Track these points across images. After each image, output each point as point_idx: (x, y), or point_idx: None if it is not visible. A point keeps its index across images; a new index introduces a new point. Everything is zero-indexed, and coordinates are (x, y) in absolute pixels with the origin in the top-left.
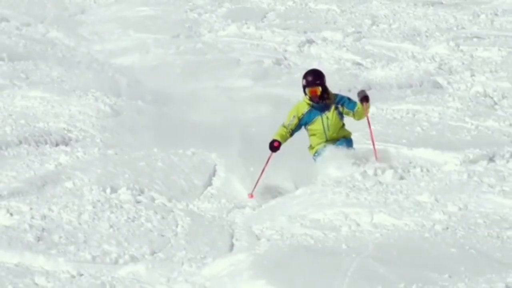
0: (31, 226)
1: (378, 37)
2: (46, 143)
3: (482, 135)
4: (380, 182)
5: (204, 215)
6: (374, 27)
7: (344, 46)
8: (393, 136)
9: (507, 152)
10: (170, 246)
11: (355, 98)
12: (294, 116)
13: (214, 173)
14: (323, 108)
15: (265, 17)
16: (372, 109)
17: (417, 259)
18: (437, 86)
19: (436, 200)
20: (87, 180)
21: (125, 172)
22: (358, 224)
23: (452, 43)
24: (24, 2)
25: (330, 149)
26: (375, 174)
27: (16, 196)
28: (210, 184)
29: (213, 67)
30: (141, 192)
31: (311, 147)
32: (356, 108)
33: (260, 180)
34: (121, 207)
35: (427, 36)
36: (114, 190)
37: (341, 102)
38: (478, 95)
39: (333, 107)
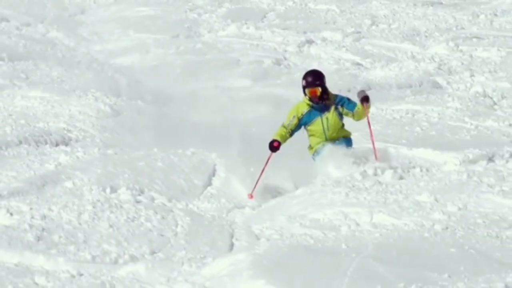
0: (31, 226)
1: (377, 37)
2: (46, 143)
3: (482, 135)
4: (379, 182)
5: (204, 215)
6: (373, 27)
7: (344, 46)
8: (392, 136)
9: (506, 152)
10: (170, 246)
11: (354, 98)
12: (294, 116)
13: (214, 173)
14: (323, 108)
15: (264, 17)
16: (372, 109)
17: (416, 259)
18: (437, 86)
19: (436, 200)
20: (87, 180)
21: (125, 172)
22: (357, 224)
23: (451, 43)
24: (24, 2)
25: (329, 148)
26: (375, 174)
27: (16, 196)
28: (210, 184)
29: (212, 67)
30: (141, 192)
31: (310, 147)
32: (356, 108)
33: (260, 180)
34: (121, 207)
35: (426, 36)
36: (114, 190)
37: (341, 103)
38: (477, 95)
39: (332, 107)
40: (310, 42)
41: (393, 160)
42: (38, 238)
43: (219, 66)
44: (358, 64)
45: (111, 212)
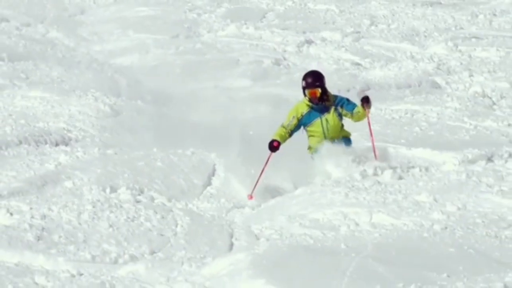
0: (31, 225)
1: (376, 37)
2: (46, 143)
3: (481, 135)
4: (379, 182)
5: (203, 214)
6: (372, 27)
7: (343, 46)
8: (391, 136)
9: (505, 152)
10: (170, 246)
11: (354, 98)
12: (293, 117)
13: (213, 172)
14: (323, 109)
15: (264, 17)
16: (371, 109)
17: (415, 258)
18: (436, 86)
19: (435, 200)
20: (87, 179)
21: (125, 172)
22: (357, 224)
23: (450, 43)
24: (24, 2)
25: (328, 146)
26: (375, 174)
27: (16, 195)
28: (209, 183)
29: (212, 67)
30: (141, 191)
31: (310, 148)
32: (355, 109)
33: (260, 181)
34: (121, 206)
35: (425, 36)
36: (113, 189)
37: (340, 104)
38: (476, 95)
39: (332, 108)
40: (309, 42)
41: (392, 160)
42: (38, 238)
43: (218, 66)
44: (357, 64)
45: (111, 212)
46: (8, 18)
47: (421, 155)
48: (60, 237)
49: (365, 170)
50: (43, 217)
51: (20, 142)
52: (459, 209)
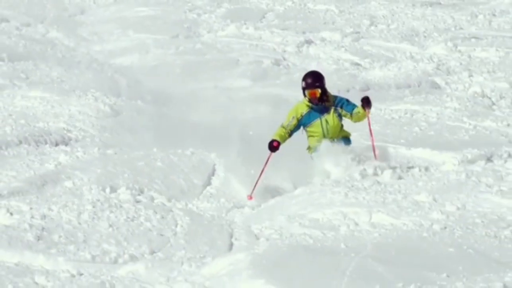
0: (31, 225)
1: (376, 38)
2: (46, 143)
3: (480, 135)
4: (378, 182)
5: (203, 214)
6: (372, 28)
7: (343, 47)
8: (391, 136)
9: (504, 152)
10: (170, 246)
11: (353, 98)
12: (293, 117)
13: (213, 172)
14: (322, 110)
15: (264, 17)
16: (371, 110)
17: (415, 258)
18: (435, 86)
19: (434, 199)
20: (87, 179)
21: (125, 172)
22: (356, 224)
23: (450, 44)
24: (24, 2)
25: (326, 145)
26: (375, 173)
27: (16, 195)
28: (209, 183)
29: (212, 67)
30: (141, 191)
31: (309, 148)
32: (355, 110)
33: (259, 181)
34: (121, 206)
35: (425, 37)
36: (113, 189)
37: (340, 104)
38: (476, 95)
39: (332, 109)
40: (309, 42)
41: (392, 160)
42: (38, 238)
43: (218, 66)
44: (357, 64)
45: (111, 211)
46: (8, 18)
47: (420, 155)
48: (60, 237)
49: (365, 170)
50: (43, 217)
51: (20, 142)
52: (458, 209)
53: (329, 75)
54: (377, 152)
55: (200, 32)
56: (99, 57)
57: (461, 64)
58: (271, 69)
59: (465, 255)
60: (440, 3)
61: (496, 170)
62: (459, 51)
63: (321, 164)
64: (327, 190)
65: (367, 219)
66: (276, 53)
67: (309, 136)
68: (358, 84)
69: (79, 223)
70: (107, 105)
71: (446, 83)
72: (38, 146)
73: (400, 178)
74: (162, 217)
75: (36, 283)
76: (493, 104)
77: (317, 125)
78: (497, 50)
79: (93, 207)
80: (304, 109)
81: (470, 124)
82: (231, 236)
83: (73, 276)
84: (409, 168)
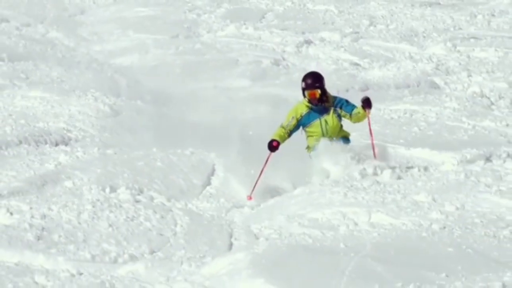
0: (31, 225)
1: (375, 38)
2: (46, 143)
3: (479, 135)
4: (377, 182)
5: (203, 214)
6: (371, 28)
7: (342, 47)
8: (390, 136)
9: (503, 152)
10: (169, 245)
11: (353, 99)
12: (293, 117)
13: (213, 172)
14: (322, 111)
15: (263, 17)
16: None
17: (414, 258)
18: (434, 86)
19: (434, 199)
20: (87, 179)
21: (124, 172)
22: (356, 224)
23: (449, 44)
24: (24, 2)
25: (325, 143)
26: (375, 173)
27: (16, 195)
28: (209, 183)
29: (212, 67)
30: (140, 191)
31: (308, 148)
32: (354, 110)
33: (259, 181)
34: (120, 206)
35: (424, 37)
36: (113, 189)
37: (340, 105)
38: (475, 95)
39: (332, 110)
40: (308, 42)
41: (391, 160)
42: (38, 238)
43: (218, 66)
44: (356, 64)
45: (111, 211)
46: (8, 18)
47: (420, 155)
48: (60, 236)
49: (364, 169)
50: (43, 216)
51: (20, 142)
52: (457, 209)
53: (329, 75)
54: (376, 150)
55: (199, 32)
56: (99, 57)
57: (460, 64)
58: (270, 69)
59: (464, 255)
60: (439, 3)
61: (495, 170)
62: (458, 51)
63: (319, 163)
64: (327, 190)
65: (366, 219)
66: (276, 53)
67: (308, 136)
68: (357, 84)
69: (79, 223)
70: (107, 105)
71: (445, 83)
72: (38, 146)
73: (399, 178)
74: (162, 217)
75: (36, 283)
76: (492, 104)
77: (316, 126)
78: (496, 50)
79: (93, 207)
80: (303, 110)
81: (469, 124)
82: (231, 236)
83: (73, 275)
84: (408, 168)
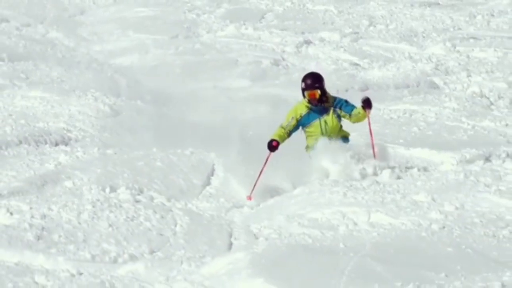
0: (31, 225)
1: (375, 38)
2: (46, 143)
3: (479, 135)
4: (377, 182)
5: (202, 214)
6: (371, 28)
7: (342, 47)
8: (390, 136)
9: (503, 152)
10: (169, 245)
11: (352, 99)
12: (292, 118)
13: (212, 172)
14: (322, 111)
15: (263, 17)
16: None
17: (414, 258)
18: (434, 86)
19: (433, 199)
20: (87, 179)
21: (124, 172)
22: (355, 223)
23: (448, 44)
24: (24, 2)
25: (324, 142)
26: (374, 173)
27: (16, 195)
28: (208, 183)
29: (211, 68)
30: (140, 191)
31: (307, 147)
32: (354, 111)
33: (259, 181)
34: (120, 206)
35: (424, 37)
36: (113, 189)
37: (339, 105)
38: (474, 95)
39: (331, 110)
40: (308, 42)
41: (391, 159)
42: (38, 237)
43: (217, 66)
44: (356, 64)
45: (111, 211)
46: (8, 19)
47: (419, 155)
48: (60, 236)
49: (364, 169)
50: (43, 216)
51: (20, 142)
52: (457, 208)
53: (328, 75)
54: (376, 150)
55: (199, 32)
56: (99, 57)
57: (459, 64)
58: (270, 69)
59: (464, 255)
60: (438, 4)
61: (494, 170)
62: (458, 51)
63: (318, 162)
64: (326, 190)
65: (366, 218)
66: (275, 53)
67: (307, 137)
68: (357, 84)
69: (79, 223)
70: (107, 105)
71: (445, 83)
72: (38, 146)
73: (398, 178)
74: (162, 217)
75: (36, 283)
76: (492, 104)
77: (316, 126)
78: (495, 50)
79: (93, 206)
80: (303, 110)
81: (468, 124)
82: (231, 236)
83: (73, 275)
84: (408, 168)
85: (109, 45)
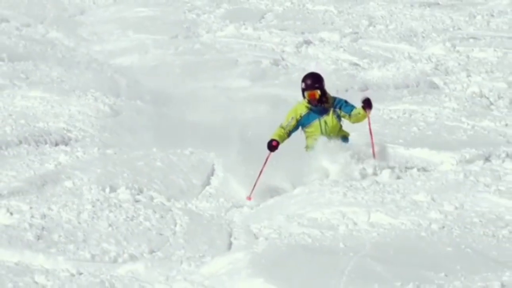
0: (31, 225)
1: (375, 38)
2: (46, 143)
3: (478, 135)
4: (377, 182)
5: (202, 214)
6: (371, 28)
7: (341, 47)
8: (389, 136)
9: (502, 152)
10: (169, 245)
11: (352, 99)
12: (292, 118)
13: (212, 172)
14: (322, 111)
15: (263, 18)
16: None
17: (413, 258)
18: (434, 86)
19: (433, 199)
20: (87, 179)
21: (124, 172)
22: (355, 223)
23: (448, 44)
24: (24, 2)
25: (323, 141)
26: (374, 173)
27: (16, 195)
28: (208, 183)
29: (211, 68)
30: (140, 191)
31: (307, 147)
32: (354, 111)
33: (258, 181)
34: (120, 206)
35: (423, 37)
36: (113, 189)
37: (339, 105)
38: (474, 95)
39: (331, 111)
40: (308, 42)
41: (391, 159)
42: (38, 237)
43: (217, 66)
44: (356, 64)
45: (110, 211)
46: (8, 19)
47: (419, 155)
48: (60, 236)
49: (364, 169)
50: (43, 216)
51: (20, 142)
52: (456, 208)
53: (328, 75)
54: (376, 149)
55: (199, 32)
56: (99, 57)
57: (459, 64)
58: (270, 69)
59: (463, 254)
60: (438, 4)
61: (494, 169)
62: (458, 51)
63: (318, 162)
64: (326, 190)
65: (365, 218)
66: (275, 53)
67: (307, 137)
68: (356, 84)
69: (79, 223)
70: (106, 105)
71: (445, 83)
72: (38, 146)
73: (398, 178)
74: (162, 217)
75: (36, 282)
76: (491, 104)
77: (316, 126)
78: (495, 50)
79: (93, 206)
80: (303, 110)
81: (468, 124)
82: (230, 236)
83: (72, 275)
84: (408, 168)
85: (109, 45)
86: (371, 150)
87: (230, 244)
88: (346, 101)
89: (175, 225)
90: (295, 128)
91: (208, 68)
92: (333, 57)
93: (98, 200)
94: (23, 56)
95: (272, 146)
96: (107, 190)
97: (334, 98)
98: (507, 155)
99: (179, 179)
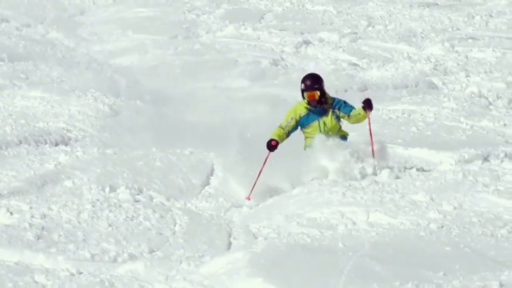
0: (31, 224)
1: (374, 38)
2: (46, 142)
3: (477, 135)
4: (376, 182)
5: (202, 214)
6: (370, 28)
7: (341, 47)
8: (389, 136)
9: (501, 152)
10: (169, 245)
11: (351, 99)
12: (292, 118)
13: (212, 172)
14: (321, 112)
15: (262, 18)
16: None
17: (412, 257)
18: (433, 86)
19: (432, 199)
20: (87, 179)
21: (124, 172)
22: (354, 223)
23: (447, 44)
24: (24, 3)
25: (321, 139)
26: (373, 173)
27: (16, 195)
28: (208, 183)
29: (211, 68)
30: (140, 191)
31: (306, 148)
32: (353, 112)
33: (258, 181)
34: (120, 206)
35: (422, 37)
36: (113, 189)
37: (338, 106)
38: (473, 95)
39: (330, 111)
40: (307, 42)
41: (390, 159)
42: (38, 237)
43: (217, 66)
44: (355, 64)
45: (110, 211)
46: (8, 19)
47: (418, 155)
48: (59, 236)
49: (363, 168)
50: (43, 216)
51: (20, 142)
52: (455, 208)
53: (327, 75)
54: (375, 148)
55: (199, 32)
56: (99, 58)
57: (458, 64)
58: (269, 69)
59: (462, 254)
60: (437, 4)
61: (492, 169)
62: (456, 51)
63: (317, 160)
64: (325, 189)
65: (364, 218)
66: (274, 54)
67: (306, 137)
68: (356, 85)
69: (79, 223)
70: (106, 105)
71: (443, 83)
72: (38, 146)
73: (397, 177)
74: (161, 217)
75: (36, 282)
76: (490, 104)
77: (315, 127)
78: (494, 50)
79: (93, 206)
80: (302, 111)
81: (467, 124)
82: (230, 235)
83: (72, 275)
84: (407, 167)
85: (108, 45)
86: (370, 149)
87: (230, 244)
88: (345, 102)
89: (175, 225)
90: (294, 128)
91: (208, 68)
92: (332, 57)
93: (98, 200)
94: (23, 56)
95: (272, 146)
96: (107, 190)
97: (333, 99)
98: (506, 155)
99: (179, 179)
